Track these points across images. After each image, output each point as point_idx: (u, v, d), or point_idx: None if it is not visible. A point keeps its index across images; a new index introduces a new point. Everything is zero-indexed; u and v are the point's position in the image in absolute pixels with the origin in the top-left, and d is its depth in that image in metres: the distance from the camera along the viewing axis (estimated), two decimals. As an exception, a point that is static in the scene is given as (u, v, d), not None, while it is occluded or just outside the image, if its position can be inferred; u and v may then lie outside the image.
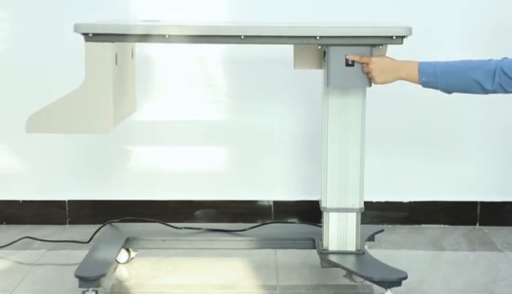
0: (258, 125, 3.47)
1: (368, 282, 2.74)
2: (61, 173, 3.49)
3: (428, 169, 3.51)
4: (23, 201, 3.50)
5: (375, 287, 2.69)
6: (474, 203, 3.53)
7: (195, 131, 3.48)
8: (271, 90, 3.45)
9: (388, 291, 2.57)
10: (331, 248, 2.76)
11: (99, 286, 2.59)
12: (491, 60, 2.37)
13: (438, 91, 3.46)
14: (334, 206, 2.75)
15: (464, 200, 3.53)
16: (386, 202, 3.52)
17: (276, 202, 3.51)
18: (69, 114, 2.55)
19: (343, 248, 2.76)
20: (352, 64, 2.55)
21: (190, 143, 3.49)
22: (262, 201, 3.51)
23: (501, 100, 3.44)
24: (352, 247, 2.76)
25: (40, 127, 2.56)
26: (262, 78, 3.44)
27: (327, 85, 2.60)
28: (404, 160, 3.50)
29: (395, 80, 2.52)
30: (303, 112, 3.45)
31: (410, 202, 3.53)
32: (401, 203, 3.53)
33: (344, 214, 2.75)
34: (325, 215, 2.78)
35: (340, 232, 2.76)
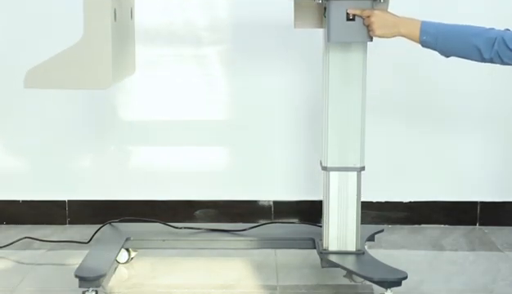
0: (257, 125, 3.47)
1: (368, 282, 2.73)
2: (61, 173, 3.49)
3: (428, 169, 3.51)
4: (23, 201, 3.50)
5: (375, 287, 2.69)
6: (474, 203, 3.52)
7: (194, 130, 3.47)
8: (270, 89, 3.44)
9: (388, 291, 2.57)
10: (331, 243, 2.76)
11: (99, 286, 2.59)
12: (493, 28, 2.37)
13: (439, 91, 3.47)
14: (336, 165, 2.73)
15: (464, 200, 3.52)
16: (386, 202, 3.52)
17: (276, 202, 3.51)
18: (67, 69, 2.49)
19: (343, 248, 2.76)
20: (353, 19, 2.53)
21: (189, 143, 3.49)
22: (262, 201, 3.51)
23: (502, 100, 3.45)
24: (352, 246, 2.76)
25: (38, 82, 2.51)
26: (262, 78, 3.43)
27: (328, 40, 2.58)
28: (404, 160, 3.50)
29: (395, 35, 2.50)
30: (304, 112, 3.44)
31: (410, 202, 3.52)
32: (401, 203, 3.52)
33: (345, 173, 2.72)
34: (325, 175, 2.75)
35: (341, 196, 2.73)
